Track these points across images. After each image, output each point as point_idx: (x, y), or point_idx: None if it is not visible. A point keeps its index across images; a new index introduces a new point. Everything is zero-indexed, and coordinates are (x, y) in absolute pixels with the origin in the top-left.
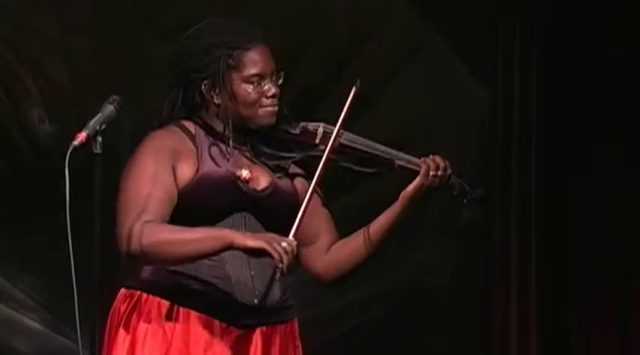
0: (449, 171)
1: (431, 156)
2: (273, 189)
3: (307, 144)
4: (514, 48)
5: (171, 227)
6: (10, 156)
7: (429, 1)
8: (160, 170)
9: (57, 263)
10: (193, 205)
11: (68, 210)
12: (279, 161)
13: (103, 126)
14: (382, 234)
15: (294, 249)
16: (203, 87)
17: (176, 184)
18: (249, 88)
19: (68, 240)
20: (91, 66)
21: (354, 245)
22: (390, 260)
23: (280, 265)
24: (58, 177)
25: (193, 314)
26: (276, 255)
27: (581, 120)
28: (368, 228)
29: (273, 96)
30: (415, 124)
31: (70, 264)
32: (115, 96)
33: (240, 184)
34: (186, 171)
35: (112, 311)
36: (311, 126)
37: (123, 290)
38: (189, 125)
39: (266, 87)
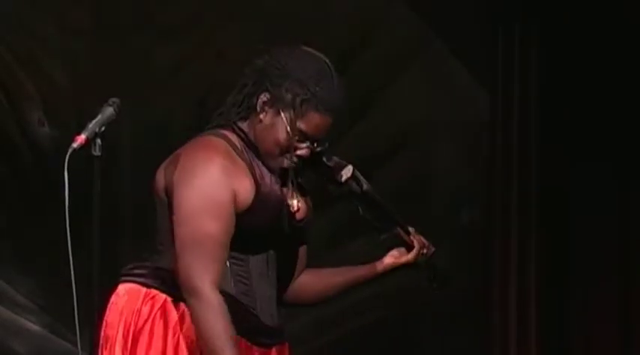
0: (432, 251)
1: (413, 235)
2: (309, 219)
3: (334, 179)
4: (514, 48)
5: (228, 336)
6: (10, 159)
7: (428, 3)
8: (226, 199)
9: (56, 265)
10: (247, 230)
11: (67, 213)
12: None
13: (103, 129)
14: (351, 287)
15: None
16: (263, 95)
17: (235, 208)
18: (290, 135)
19: (67, 243)
20: (91, 66)
21: (320, 288)
22: None
23: None
24: (57, 179)
25: None
26: None
27: (581, 120)
28: (338, 275)
29: (300, 157)
30: (415, 125)
31: (70, 267)
32: (114, 99)
33: (288, 214)
34: (245, 192)
35: (126, 309)
36: (343, 164)
37: (138, 287)
38: (232, 136)
39: (302, 145)
